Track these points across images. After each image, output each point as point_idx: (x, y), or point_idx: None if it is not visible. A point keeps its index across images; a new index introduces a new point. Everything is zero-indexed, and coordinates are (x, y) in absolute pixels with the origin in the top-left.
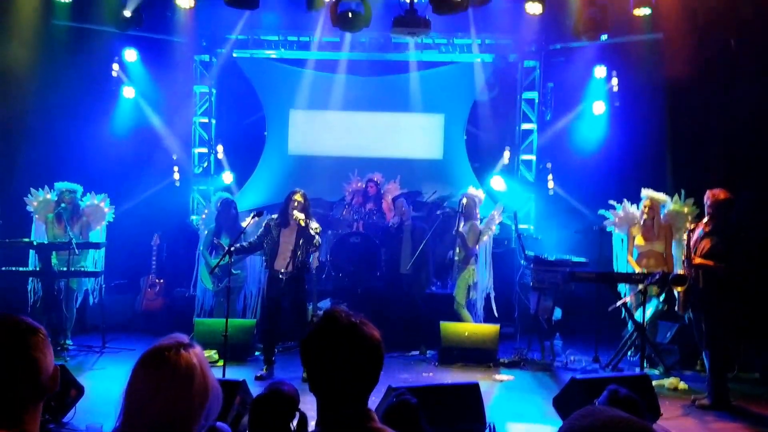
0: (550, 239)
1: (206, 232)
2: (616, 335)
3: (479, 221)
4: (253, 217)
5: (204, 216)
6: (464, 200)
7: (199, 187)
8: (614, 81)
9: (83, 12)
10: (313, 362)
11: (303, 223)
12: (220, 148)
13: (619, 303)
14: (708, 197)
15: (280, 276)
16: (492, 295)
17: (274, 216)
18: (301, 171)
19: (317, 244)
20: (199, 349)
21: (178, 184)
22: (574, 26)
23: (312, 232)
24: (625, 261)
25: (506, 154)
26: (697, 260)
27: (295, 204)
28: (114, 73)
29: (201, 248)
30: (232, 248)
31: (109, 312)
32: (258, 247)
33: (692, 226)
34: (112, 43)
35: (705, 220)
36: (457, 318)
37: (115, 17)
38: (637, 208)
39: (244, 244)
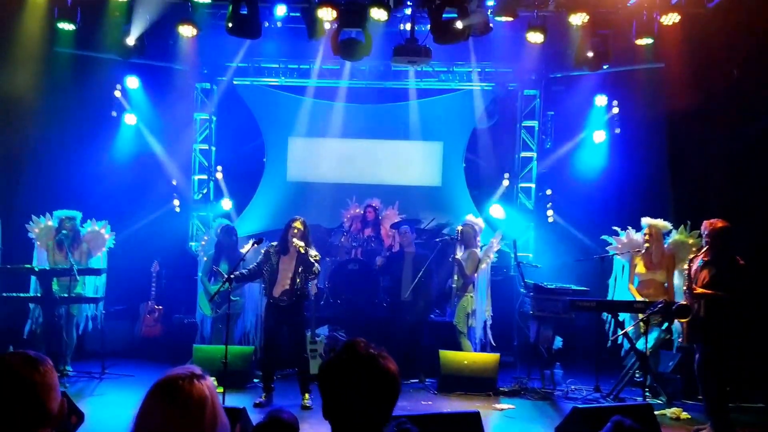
0: (549, 267)
1: (205, 258)
2: (617, 364)
3: (479, 249)
4: (253, 245)
5: (204, 242)
6: (459, 228)
7: (199, 214)
8: (615, 110)
9: (86, 40)
10: (330, 389)
11: (303, 251)
12: (219, 168)
13: (620, 333)
14: (705, 227)
15: (279, 303)
16: (488, 324)
17: (274, 243)
18: (300, 198)
19: (316, 272)
20: (211, 380)
21: (178, 209)
22: (576, 56)
23: (311, 260)
24: (624, 288)
25: (505, 181)
26: (699, 290)
27: (295, 231)
28: (116, 100)
29: (200, 274)
30: (232, 275)
31: (108, 338)
32: (257, 275)
33: (692, 256)
34: (114, 71)
35: (704, 249)
36: (456, 346)
37: (119, 45)
38: (641, 236)
39: (244, 271)
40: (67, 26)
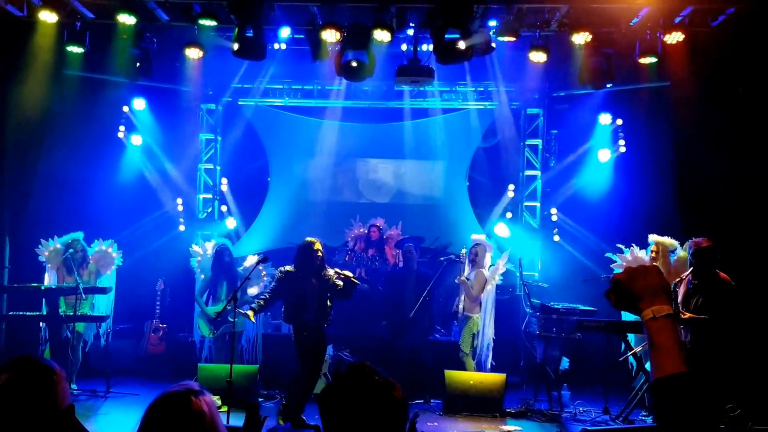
0: (556, 287)
1: (203, 276)
2: (626, 385)
3: (487, 269)
4: (258, 263)
5: (199, 259)
6: (477, 249)
7: (203, 233)
8: (619, 123)
9: (94, 62)
10: (334, 417)
11: (335, 276)
12: (224, 180)
13: (629, 353)
14: (690, 246)
15: (309, 326)
16: (490, 346)
17: (289, 268)
18: (304, 216)
19: (347, 292)
20: (210, 396)
21: (183, 228)
22: (579, 75)
23: (339, 281)
24: None
25: (510, 192)
26: (687, 315)
27: (319, 254)
28: (123, 121)
29: (196, 294)
30: (255, 306)
31: (113, 356)
32: (276, 300)
33: (677, 279)
34: (121, 93)
35: (690, 270)
36: (462, 366)
37: (126, 68)
38: (646, 254)
39: (261, 299)
40: (76, 49)
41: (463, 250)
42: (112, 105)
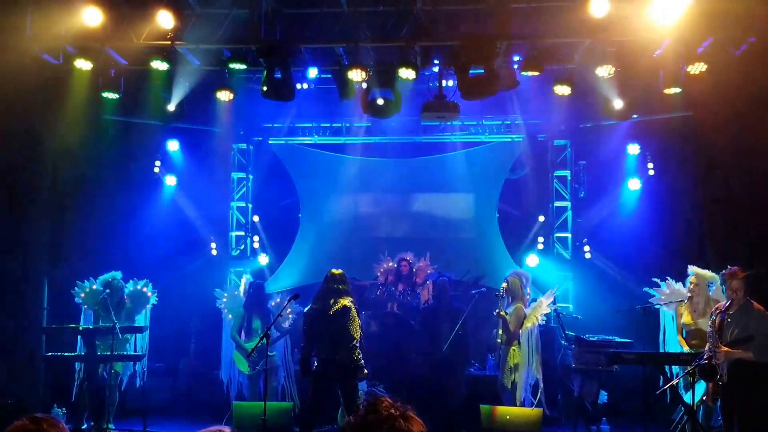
0: (589, 318)
1: (230, 316)
2: (665, 418)
3: (525, 303)
4: (289, 301)
5: (225, 299)
6: (506, 283)
7: (236, 269)
8: (647, 154)
9: (130, 107)
10: None
11: None
12: (256, 218)
13: (666, 386)
14: (725, 277)
15: None
16: (533, 384)
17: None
18: (335, 251)
19: None
20: None
21: (215, 260)
22: (604, 107)
23: None
24: (675, 340)
25: (541, 217)
26: (725, 349)
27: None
28: (157, 164)
29: (233, 333)
30: None
31: (149, 395)
32: None
33: (715, 311)
34: (155, 135)
35: (727, 302)
36: (498, 400)
37: (160, 112)
38: (683, 286)
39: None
40: (111, 95)
41: (506, 283)
42: (147, 147)
